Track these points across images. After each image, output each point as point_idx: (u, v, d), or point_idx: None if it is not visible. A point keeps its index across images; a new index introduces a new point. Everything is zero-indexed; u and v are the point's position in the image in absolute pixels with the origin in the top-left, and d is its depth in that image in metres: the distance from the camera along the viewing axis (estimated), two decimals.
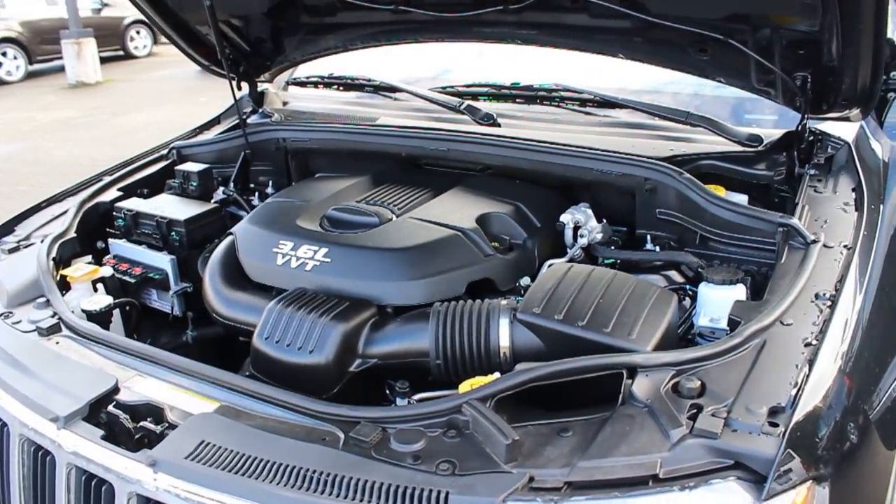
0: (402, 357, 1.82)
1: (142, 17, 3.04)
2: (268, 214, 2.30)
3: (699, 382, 1.48)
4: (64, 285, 2.23)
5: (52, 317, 1.99)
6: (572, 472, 1.33)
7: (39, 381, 1.75)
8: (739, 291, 1.85)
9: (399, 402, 1.77)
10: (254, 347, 1.89)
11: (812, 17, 1.92)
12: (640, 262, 2.14)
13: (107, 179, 2.79)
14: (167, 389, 1.72)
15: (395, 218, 2.20)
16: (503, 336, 1.76)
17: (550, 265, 2.09)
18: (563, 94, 2.68)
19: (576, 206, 2.29)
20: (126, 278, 2.43)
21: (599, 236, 2.21)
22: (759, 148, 2.32)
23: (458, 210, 2.21)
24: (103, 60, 14.52)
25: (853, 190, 2.20)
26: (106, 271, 2.37)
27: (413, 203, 2.29)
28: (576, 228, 2.21)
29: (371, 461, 1.42)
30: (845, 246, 1.91)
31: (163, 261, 2.46)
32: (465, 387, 1.62)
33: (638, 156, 2.27)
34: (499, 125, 2.64)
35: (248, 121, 3.04)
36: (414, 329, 1.84)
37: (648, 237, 2.26)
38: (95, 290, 2.33)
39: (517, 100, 2.80)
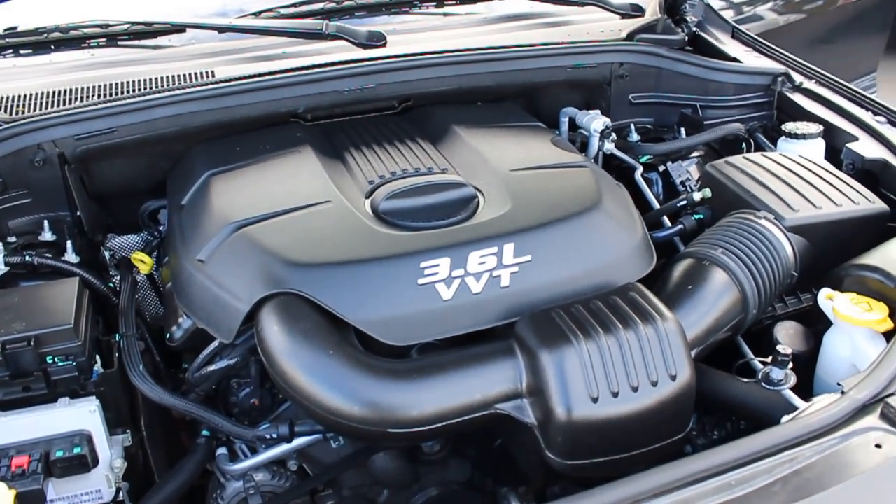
0: (719, 329, 1.35)
1: None
2: (320, 247, 1.34)
3: None
4: None
5: None
6: None
7: None
8: (821, 143, 1.87)
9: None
10: (572, 424, 1.15)
11: None
12: (683, 150, 1.95)
13: None
14: None
15: (474, 184, 1.51)
16: (789, 250, 1.46)
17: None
18: None
19: (575, 109, 1.97)
20: (26, 487, 1.16)
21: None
22: (655, 16, 2.28)
23: (524, 147, 1.66)
24: None
25: (732, 36, 2.38)
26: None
27: (440, 162, 1.60)
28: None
29: None
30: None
31: (76, 416, 1.25)
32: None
33: (612, 41, 2.02)
34: (385, 44, 1.98)
35: None
36: (708, 291, 1.36)
37: (632, 126, 2.06)
38: None
39: (357, 13, 2.12)
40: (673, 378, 1.19)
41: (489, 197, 1.48)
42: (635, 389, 1.17)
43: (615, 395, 1.16)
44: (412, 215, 1.41)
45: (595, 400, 1.16)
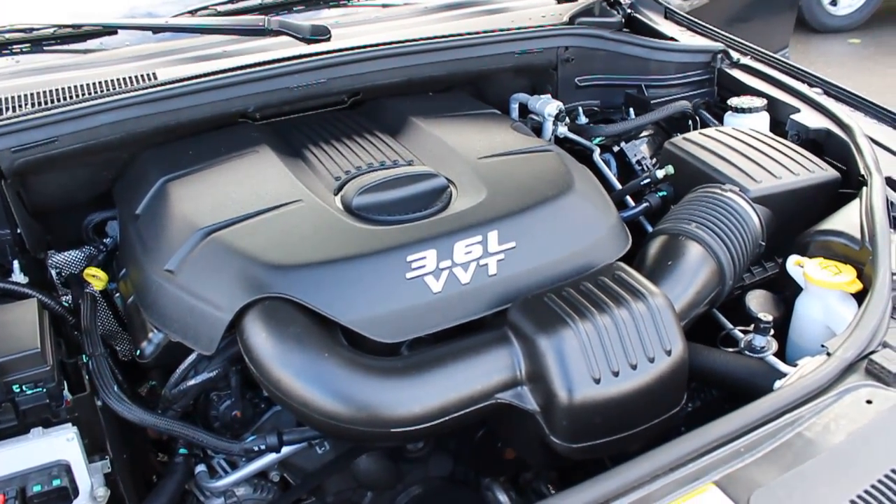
0: (701, 302, 1.37)
1: None
2: (300, 248, 1.28)
3: None
4: None
5: None
6: None
7: None
8: (766, 116, 1.93)
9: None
10: (577, 406, 1.15)
11: None
12: (634, 130, 1.98)
13: None
14: None
15: (443, 174, 1.49)
16: (756, 220, 1.49)
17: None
18: None
19: (526, 95, 1.98)
20: None
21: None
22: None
23: (486, 135, 1.64)
24: None
25: (665, 17, 2.42)
26: None
27: (404, 154, 1.57)
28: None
29: None
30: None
31: (53, 446, 1.17)
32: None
33: (556, 26, 2.02)
34: (330, 38, 1.92)
35: None
36: (688, 265, 1.38)
37: (580, 109, 2.08)
38: None
39: (295, 8, 2.06)
40: (668, 353, 1.21)
41: (461, 186, 1.46)
42: (634, 367, 1.18)
43: (616, 374, 1.17)
44: (387, 209, 1.38)
45: (597, 381, 1.15)
